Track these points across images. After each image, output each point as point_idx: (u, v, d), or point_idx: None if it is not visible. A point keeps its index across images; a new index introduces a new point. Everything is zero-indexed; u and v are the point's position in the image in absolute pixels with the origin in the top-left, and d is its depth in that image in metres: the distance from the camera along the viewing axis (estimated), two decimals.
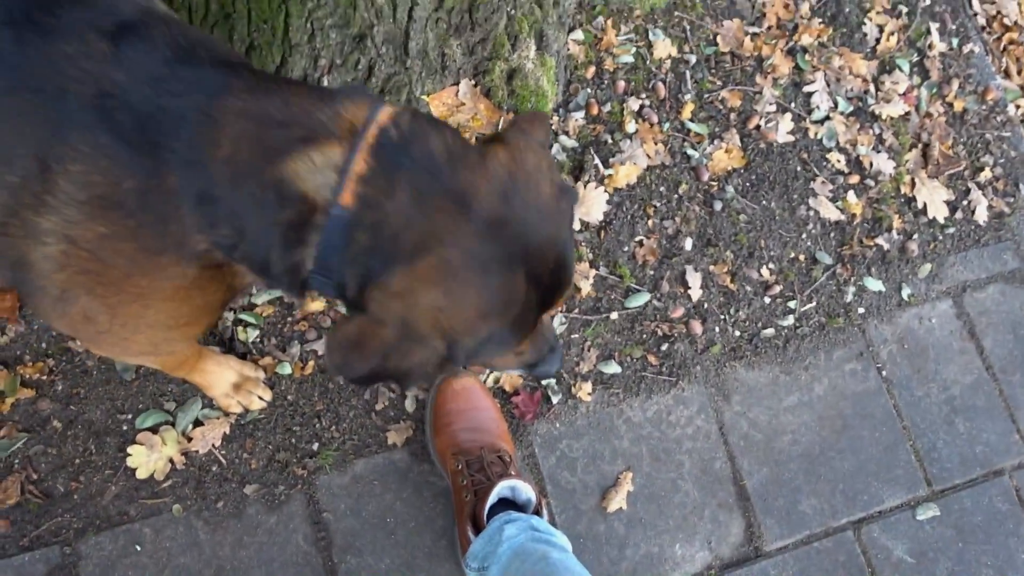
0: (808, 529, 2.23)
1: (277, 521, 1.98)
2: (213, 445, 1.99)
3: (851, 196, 2.45)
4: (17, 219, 1.05)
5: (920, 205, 2.49)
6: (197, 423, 2.00)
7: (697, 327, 2.27)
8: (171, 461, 1.98)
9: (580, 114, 2.32)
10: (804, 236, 2.41)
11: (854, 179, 2.47)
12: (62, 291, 1.12)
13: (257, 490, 1.99)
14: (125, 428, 1.97)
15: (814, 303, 2.38)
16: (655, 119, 2.37)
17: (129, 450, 1.96)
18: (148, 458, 1.97)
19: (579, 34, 2.37)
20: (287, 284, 1.11)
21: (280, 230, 1.06)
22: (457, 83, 2.18)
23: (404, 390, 1.23)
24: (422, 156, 1.03)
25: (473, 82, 2.19)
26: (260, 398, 2.01)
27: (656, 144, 2.35)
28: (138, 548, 1.92)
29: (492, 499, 1.82)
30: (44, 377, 1.96)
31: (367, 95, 1.10)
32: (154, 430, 1.98)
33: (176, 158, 1.03)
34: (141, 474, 1.96)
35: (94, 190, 1.02)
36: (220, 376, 1.93)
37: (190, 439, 1.98)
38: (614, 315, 2.24)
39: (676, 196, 2.35)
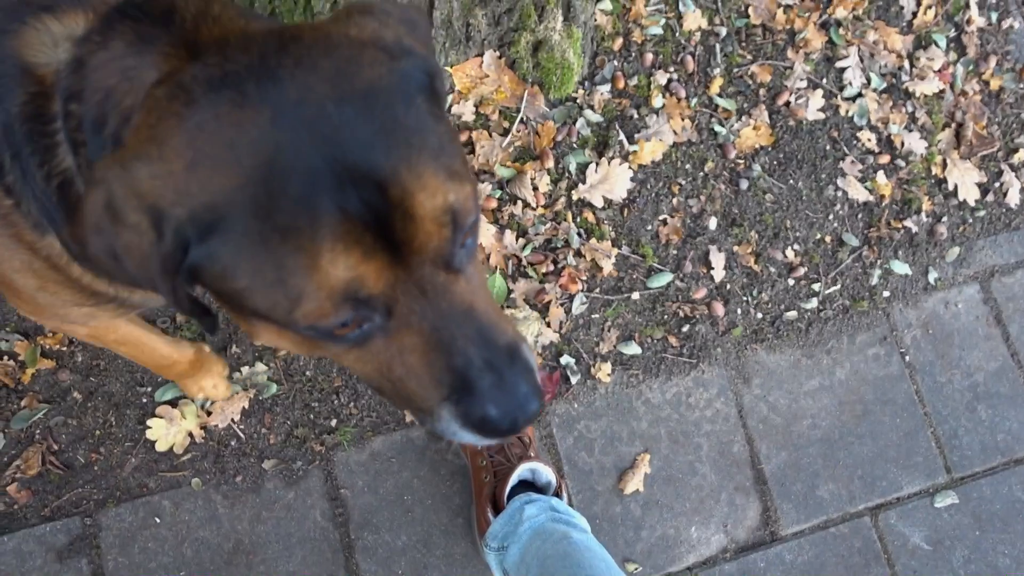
0: (825, 514, 2.23)
1: (295, 496, 2.00)
2: (232, 420, 2.00)
3: (881, 176, 2.41)
4: None
5: (951, 187, 2.45)
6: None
7: (719, 309, 2.25)
8: (190, 435, 2.00)
9: (606, 87, 2.28)
10: (831, 217, 2.38)
11: (884, 159, 2.42)
12: None
13: (275, 465, 2.00)
14: (145, 401, 1.99)
15: (839, 286, 2.35)
16: (683, 94, 2.33)
17: (149, 423, 1.98)
18: (167, 431, 1.99)
19: (607, 4, 2.31)
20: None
21: (22, 125, 0.93)
22: (481, 54, 2.14)
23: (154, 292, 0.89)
24: (156, 7, 0.90)
25: (498, 53, 2.15)
26: (219, 387, 1.98)
27: (683, 120, 2.31)
28: (157, 520, 1.95)
29: (513, 481, 1.84)
30: (64, 348, 1.97)
31: None
32: (173, 403, 2.00)
33: None
34: (160, 447, 1.98)
35: None
36: (199, 379, 1.92)
37: (209, 413, 2.00)
38: (635, 295, 2.22)
39: (702, 174, 2.32)
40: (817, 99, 2.41)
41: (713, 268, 2.27)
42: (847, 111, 2.43)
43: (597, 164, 2.23)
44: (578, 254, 2.19)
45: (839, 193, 2.39)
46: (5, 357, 1.94)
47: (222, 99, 0.77)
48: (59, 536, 1.91)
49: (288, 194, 0.75)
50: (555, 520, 1.73)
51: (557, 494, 1.86)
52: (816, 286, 2.33)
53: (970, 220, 2.46)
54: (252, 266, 0.79)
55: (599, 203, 2.22)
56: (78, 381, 1.97)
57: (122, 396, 1.98)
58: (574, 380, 2.15)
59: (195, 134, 0.77)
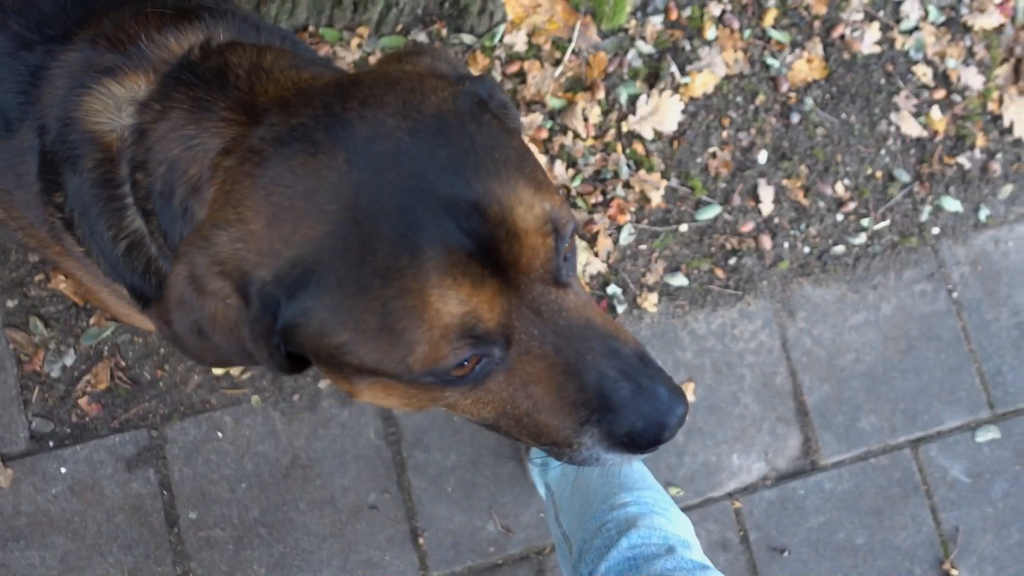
0: (866, 446, 2.29)
1: (349, 415, 2.09)
2: None
3: (935, 112, 2.40)
4: None
5: (1007, 123, 2.43)
6: None
7: (766, 242, 2.28)
8: None
9: (658, 18, 2.28)
10: (883, 152, 2.38)
11: (939, 94, 2.41)
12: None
13: (330, 385, 2.09)
14: None
15: (888, 221, 2.36)
16: (736, 25, 2.32)
17: None
18: None
19: None
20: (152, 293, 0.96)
21: (91, 189, 0.94)
22: None
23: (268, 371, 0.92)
24: (210, 70, 0.90)
25: None
26: None
27: (736, 52, 2.31)
28: (220, 435, 2.05)
29: None
30: None
31: (218, 23, 0.98)
32: None
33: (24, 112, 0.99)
34: (217, 370, 2.07)
35: None
36: None
37: None
38: (683, 227, 2.26)
39: (753, 107, 2.32)
40: (873, 32, 2.39)
41: (761, 202, 2.29)
42: (903, 44, 2.41)
43: (648, 96, 2.24)
44: (627, 185, 2.23)
45: (892, 128, 2.39)
46: None
47: (294, 151, 0.76)
48: (128, 447, 2.02)
49: (380, 235, 0.73)
50: None
51: None
52: (865, 221, 2.35)
53: None
54: (353, 317, 0.75)
55: (649, 135, 2.24)
56: None
57: None
58: (620, 309, 2.20)
59: (271, 190, 0.75)
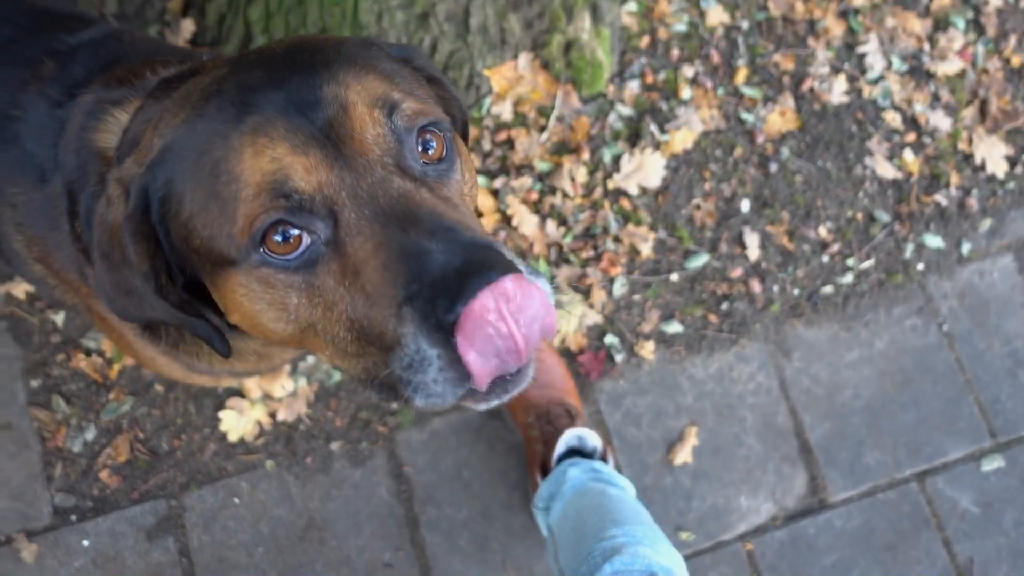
0: (872, 481, 2.32)
1: (362, 475, 2.16)
2: (299, 413, 2.18)
3: (908, 154, 2.53)
4: None
5: (978, 161, 2.56)
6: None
7: (756, 286, 2.38)
8: (259, 423, 2.17)
9: (635, 83, 2.45)
10: (861, 195, 2.50)
11: (910, 137, 2.54)
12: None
13: (342, 446, 2.17)
14: (220, 391, 2.17)
15: (873, 260, 2.46)
16: (709, 85, 2.48)
17: (220, 415, 2.16)
18: (238, 422, 2.17)
19: (632, 5, 2.49)
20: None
21: (93, 200, 1.05)
22: (516, 57, 2.32)
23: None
24: (181, 78, 1.01)
25: (532, 55, 2.33)
26: (282, 386, 2.15)
27: (711, 109, 2.47)
28: (236, 500, 2.12)
29: (560, 447, 1.97)
30: None
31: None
32: (243, 394, 2.18)
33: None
34: (232, 437, 2.16)
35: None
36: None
37: (279, 400, 2.17)
38: (674, 276, 2.36)
39: (732, 159, 2.46)
40: (840, 83, 2.54)
41: (748, 248, 2.40)
42: (870, 93, 2.56)
43: (631, 154, 2.39)
44: (617, 239, 2.34)
45: (868, 171, 2.51)
46: (94, 355, 2.15)
47: (194, 79, 0.93)
48: (148, 517, 2.09)
49: (224, 110, 0.82)
50: (596, 480, 1.86)
51: (603, 459, 2.00)
52: (850, 261, 2.45)
53: (1000, 192, 2.56)
54: (193, 184, 0.83)
55: (634, 191, 2.37)
56: (159, 376, 2.16)
57: (199, 387, 2.17)
58: (619, 358, 2.29)
59: (166, 109, 0.90)
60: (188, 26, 2.24)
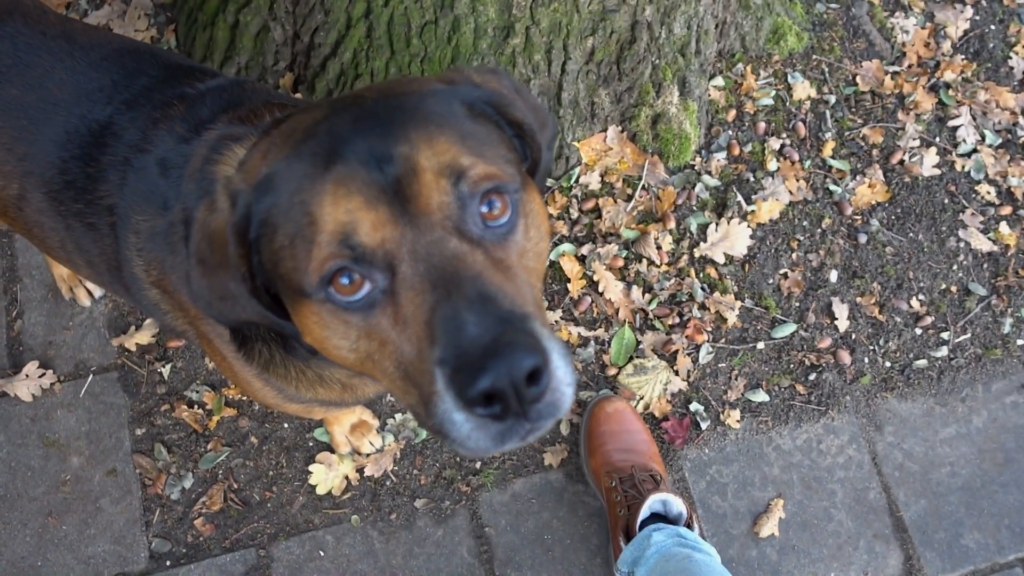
0: (972, 564, 2.26)
1: (444, 534, 2.22)
2: (386, 469, 2.26)
3: (1004, 227, 2.52)
4: None
5: None
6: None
7: (845, 357, 2.38)
8: (347, 478, 2.27)
9: (722, 155, 2.53)
10: (955, 267, 2.50)
11: (1006, 210, 2.54)
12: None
13: (426, 504, 2.24)
14: (311, 444, 2.28)
15: (969, 334, 2.44)
16: (796, 157, 2.55)
17: (310, 468, 2.26)
18: (326, 476, 2.27)
19: (719, 80, 2.60)
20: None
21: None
22: (605, 129, 2.45)
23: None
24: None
25: (620, 127, 2.45)
26: (371, 443, 2.27)
27: (798, 181, 2.53)
28: (322, 553, 2.20)
29: (644, 512, 2.00)
30: (244, 398, 2.30)
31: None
32: (332, 450, 2.28)
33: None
34: (320, 491, 2.26)
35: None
36: (345, 416, 2.21)
37: (367, 456, 2.27)
38: (761, 345, 2.39)
39: (819, 230, 2.50)
40: (931, 156, 2.58)
41: (837, 318, 2.42)
42: (963, 166, 2.58)
43: (717, 224, 2.46)
44: (702, 307, 2.40)
45: (961, 244, 2.52)
46: (196, 406, 2.29)
47: (297, 114, 1.05)
48: (237, 566, 2.19)
49: (317, 154, 0.94)
50: (681, 545, 1.88)
51: (688, 525, 2.01)
52: (945, 335, 2.44)
53: None
54: (287, 218, 0.94)
55: (720, 259, 2.43)
56: (255, 427, 2.29)
57: (292, 440, 2.29)
58: (704, 426, 2.31)
59: (273, 140, 1.03)
60: (296, 96, 2.44)
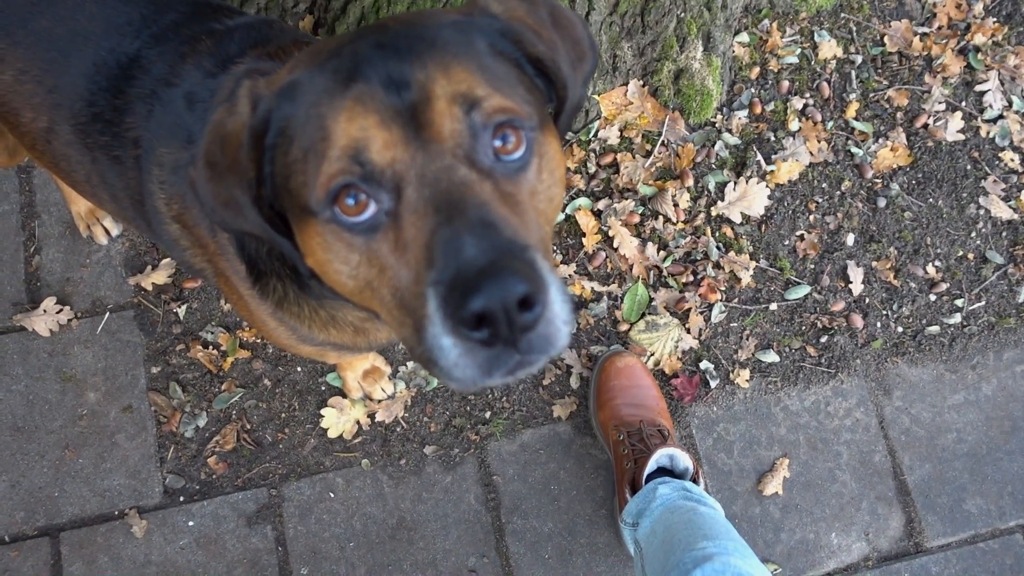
0: (973, 529, 2.30)
1: (452, 480, 2.27)
2: (397, 416, 2.31)
3: None
4: None
5: None
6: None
7: (858, 321, 2.40)
8: (358, 423, 2.31)
9: (743, 113, 2.52)
10: (973, 235, 2.50)
11: None
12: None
13: (435, 451, 2.29)
14: (324, 389, 2.33)
15: (983, 302, 2.45)
16: (819, 118, 2.54)
17: (322, 412, 2.31)
18: (338, 420, 2.31)
19: (744, 36, 2.57)
20: None
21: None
22: (626, 83, 2.44)
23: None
24: None
25: (641, 82, 2.44)
26: (383, 389, 2.31)
27: (819, 142, 2.52)
28: (332, 495, 2.26)
29: (651, 466, 2.04)
30: (259, 340, 2.34)
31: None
32: (344, 394, 2.32)
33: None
34: (332, 434, 2.31)
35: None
36: (358, 362, 2.24)
37: (378, 402, 2.31)
38: (773, 306, 2.41)
39: (838, 193, 2.50)
40: (956, 121, 2.56)
41: (851, 282, 2.43)
42: (988, 132, 2.56)
43: (735, 183, 2.46)
44: (717, 266, 2.41)
45: (981, 211, 2.51)
46: (211, 347, 2.33)
47: (326, 39, 1.07)
48: (249, 504, 2.25)
49: (339, 71, 0.96)
50: (686, 498, 1.92)
51: (695, 480, 2.05)
52: (959, 302, 2.44)
53: None
54: (304, 130, 0.96)
55: (737, 219, 2.44)
56: (268, 370, 2.33)
57: (304, 384, 2.33)
58: (713, 384, 2.34)
59: (299, 57, 1.04)
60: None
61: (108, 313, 2.35)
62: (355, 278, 0.98)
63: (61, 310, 2.33)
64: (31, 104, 1.41)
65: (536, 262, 0.86)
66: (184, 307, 2.35)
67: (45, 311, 2.32)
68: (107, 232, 2.38)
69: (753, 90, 2.57)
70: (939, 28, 2.66)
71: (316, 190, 0.93)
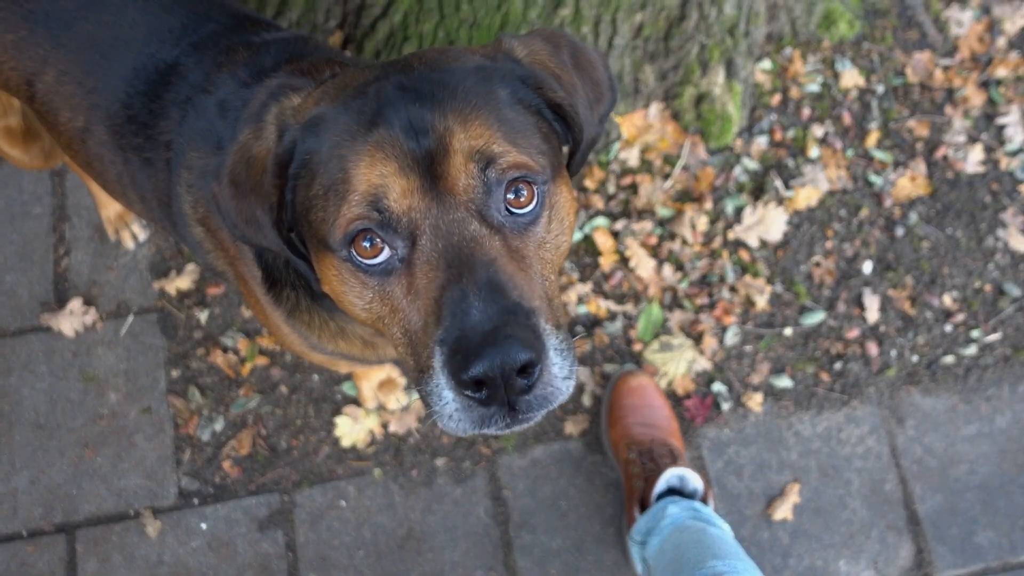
0: (984, 562, 2.29)
1: (462, 493, 2.30)
2: (410, 427, 2.34)
3: None
4: None
5: None
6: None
7: (873, 349, 2.41)
8: (371, 432, 2.34)
9: (763, 138, 2.55)
10: (991, 266, 2.50)
11: None
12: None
13: (446, 463, 2.31)
14: (339, 398, 2.36)
15: (999, 334, 2.45)
16: (838, 146, 2.56)
17: (336, 420, 2.34)
18: (351, 429, 2.34)
19: (766, 63, 2.61)
20: None
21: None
22: (647, 106, 2.47)
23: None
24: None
25: (663, 105, 2.47)
26: (397, 400, 2.34)
27: (838, 169, 2.54)
28: (343, 503, 2.29)
29: (661, 485, 2.05)
30: (277, 347, 2.38)
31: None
32: (359, 402, 2.36)
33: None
34: (345, 443, 2.34)
35: None
36: (373, 372, 2.28)
37: (392, 412, 2.34)
38: (788, 330, 2.42)
39: (856, 220, 2.52)
40: (977, 153, 2.57)
41: (867, 309, 2.44)
42: (1008, 165, 2.57)
43: (753, 207, 2.48)
44: (732, 289, 2.43)
45: (999, 243, 2.52)
46: (230, 352, 2.38)
47: (352, 72, 1.10)
48: (261, 509, 2.28)
49: (365, 113, 0.99)
50: (695, 519, 1.93)
51: (704, 501, 2.06)
52: (975, 333, 2.45)
53: None
54: (326, 168, 0.99)
55: (754, 243, 2.46)
56: (286, 377, 2.37)
57: (320, 392, 2.37)
58: (725, 407, 2.36)
59: (326, 89, 1.08)
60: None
61: (132, 316, 2.41)
62: (368, 311, 1.04)
63: (87, 311, 2.39)
64: (70, 104, 1.47)
65: (538, 327, 0.92)
66: (206, 312, 2.40)
67: (71, 312, 2.38)
68: (135, 237, 2.44)
69: (774, 116, 2.60)
70: (961, 60, 2.68)
71: (335, 230, 0.98)
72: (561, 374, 0.94)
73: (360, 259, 0.99)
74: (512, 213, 1.00)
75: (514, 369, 0.87)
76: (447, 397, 0.92)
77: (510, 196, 1.00)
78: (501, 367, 0.87)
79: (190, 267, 2.44)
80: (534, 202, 1.02)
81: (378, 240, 0.98)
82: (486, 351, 0.86)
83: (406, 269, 0.97)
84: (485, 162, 0.97)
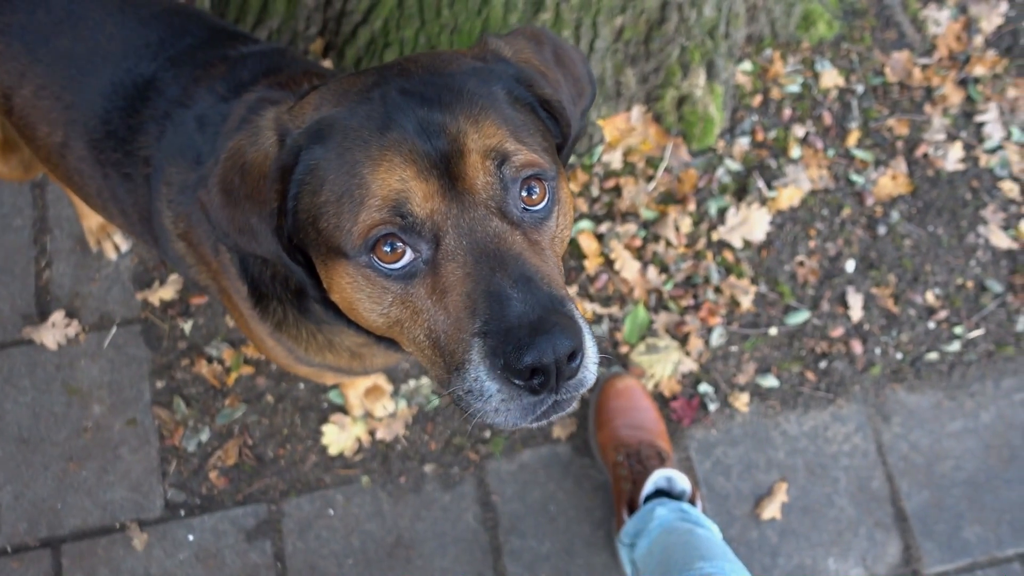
0: (971, 557, 2.30)
1: (451, 499, 2.29)
2: (397, 434, 2.33)
3: None
4: None
5: None
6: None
7: (857, 347, 2.42)
8: (358, 440, 2.34)
9: (745, 139, 2.56)
10: (973, 263, 2.52)
11: None
12: None
13: (435, 469, 2.31)
14: (325, 406, 2.35)
15: (982, 331, 2.47)
16: (820, 145, 2.57)
17: (323, 428, 2.33)
18: (339, 437, 2.34)
19: (747, 65, 2.62)
20: None
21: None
22: (630, 109, 2.48)
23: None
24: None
25: (645, 108, 2.48)
26: (384, 407, 2.33)
27: (820, 169, 2.55)
28: (331, 512, 2.28)
29: (649, 487, 2.06)
30: (262, 357, 2.37)
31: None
32: (346, 411, 2.35)
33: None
34: (332, 451, 2.33)
35: None
36: (359, 380, 2.27)
37: (379, 419, 2.33)
38: (773, 330, 2.43)
39: (839, 219, 2.53)
40: (956, 151, 2.59)
41: (850, 308, 2.45)
42: (987, 162, 2.59)
43: (736, 208, 2.49)
44: (717, 290, 2.44)
45: (981, 240, 2.54)
46: (215, 362, 2.37)
47: (346, 77, 1.10)
48: (249, 519, 2.27)
49: (375, 119, 0.99)
50: (683, 520, 1.93)
51: (692, 503, 2.06)
52: (958, 329, 2.46)
53: None
54: (334, 175, 0.98)
55: (738, 244, 2.47)
56: (271, 386, 2.36)
57: (306, 400, 2.36)
58: (712, 407, 2.36)
59: (324, 94, 1.07)
60: (327, 67, 2.49)
61: (115, 327, 2.39)
62: (386, 316, 1.03)
63: (69, 323, 2.37)
64: (48, 119, 1.46)
65: (575, 315, 0.95)
66: (190, 323, 2.39)
67: (54, 324, 2.36)
68: (116, 248, 2.42)
69: (755, 117, 2.61)
70: (939, 59, 2.70)
71: (353, 237, 0.97)
72: (593, 358, 0.97)
73: (381, 264, 0.99)
74: (527, 210, 1.02)
75: (566, 356, 0.89)
76: (491, 389, 0.92)
77: (524, 194, 1.02)
78: (554, 354, 0.89)
79: (173, 277, 2.42)
80: (547, 198, 1.04)
81: (400, 244, 0.98)
82: (538, 340, 0.88)
83: (431, 271, 0.98)
84: (500, 160, 0.99)
